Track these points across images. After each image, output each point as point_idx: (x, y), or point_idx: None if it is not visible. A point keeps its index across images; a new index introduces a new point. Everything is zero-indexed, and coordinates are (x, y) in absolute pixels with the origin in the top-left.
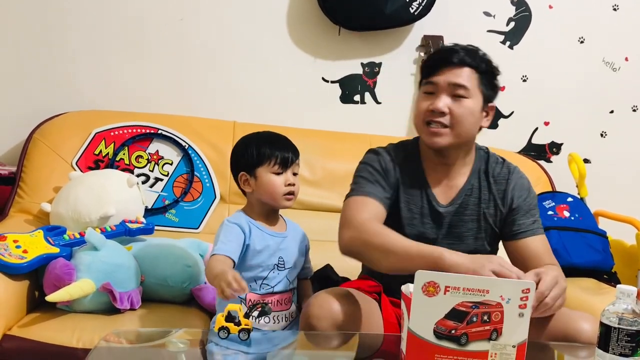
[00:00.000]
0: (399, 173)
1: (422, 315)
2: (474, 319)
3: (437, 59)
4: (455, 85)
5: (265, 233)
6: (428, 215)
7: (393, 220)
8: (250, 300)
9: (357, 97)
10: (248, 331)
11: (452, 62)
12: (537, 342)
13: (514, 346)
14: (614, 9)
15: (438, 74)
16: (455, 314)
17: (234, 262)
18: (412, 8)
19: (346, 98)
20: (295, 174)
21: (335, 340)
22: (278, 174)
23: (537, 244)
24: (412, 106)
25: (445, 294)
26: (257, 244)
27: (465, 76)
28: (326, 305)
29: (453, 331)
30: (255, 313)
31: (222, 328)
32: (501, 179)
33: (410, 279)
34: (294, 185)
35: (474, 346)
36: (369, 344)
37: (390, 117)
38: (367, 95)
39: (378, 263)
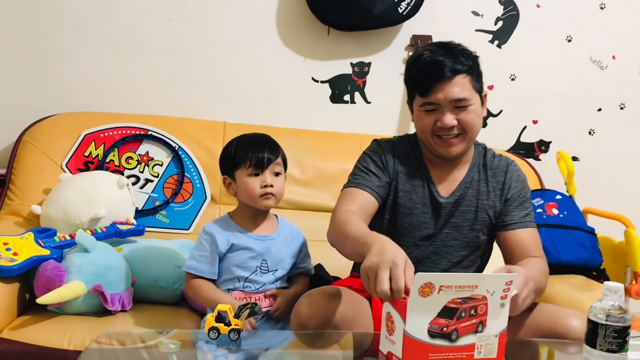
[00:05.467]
0: (399, 164)
1: (418, 316)
2: (463, 314)
3: (428, 76)
4: (457, 100)
5: (249, 236)
6: (429, 206)
7: (392, 209)
8: (236, 298)
9: (347, 97)
10: (238, 331)
11: (444, 75)
12: (526, 339)
13: (496, 336)
14: (601, 8)
15: (435, 92)
16: (446, 312)
17: (214, 280)
18: (401, 8)
19: (336, 98)
20: (277, 174)
21: (325, 340)
22: (254, 175)
23: (526, 236)
24: (402, 105)
25: (439, 293)
26: (237, 248)
27: (462, 86)
28: (316, 304)
29: (445, 328)
30: (245, 313)
31: (212, 328)
32: (500, 171)
33: None
34: (271, 186)
35: (463, 340)
36: (360, 343)
37: (380, 116)
38: (357, 95)
39: (344, 252)
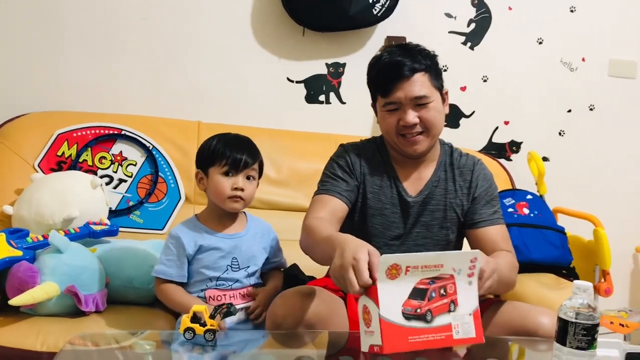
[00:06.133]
0: (366, 166)
1: (390, 299)
2: (434, 294)
3: (387, 77)
4: (417, 98)
5: (216, 237)
6: (397, 205)
7: (361, 211)
8: (210, 296)
9: (322, 97)
10: (214, 332)
11: (403, 75)
12: (497, 337)
13: (470, 314)
14: (571, 11)
15: (395, 91)
16: (417, 293)
17: (182, 284)
18: (375, 9)
19: (311, 98)
20: (250, 178)
21: (301, 339)
22: (227, 175)
23: (495, 232)
24: None
25: (406, 274)
26: (205, 249)
27: (422, 84)
28: (292, 304)
29: (418, 309)
30: (219, 316)
31: (187, 329)
32: (466, 169)
33: None
34: (242, 190)
35: (438, 321)
36: (335, 342)
37: (355, 116)
38: (332, 95)
39: (315, 258)
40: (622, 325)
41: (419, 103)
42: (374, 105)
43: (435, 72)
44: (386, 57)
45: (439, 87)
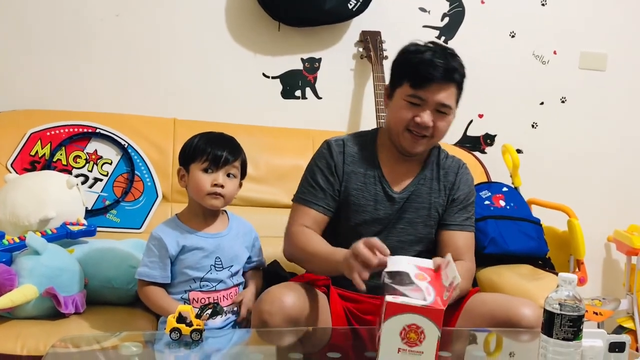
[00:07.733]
0: (350, 163)
1: None
2: None
3: (427, 73)
4: (442, 105)
5: (199, 236)
6: (382, 202)
7: (345, 208)
8: (194, 299)
9: (298, 93)
10: (200, 332)
11: (441, 78)
12: (481, 329)
13: None
14: (542, 4)
15: (427, 90)
16: None
17: (166, 285)
18: (351, 4)
19: (287, 93)
20: (230, 176)
21: (286, 336)
22: (207, 171)
23: (461, 239)
24: (353, 101)
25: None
26: (188, 249)
27: (450, 95)
28: (278, 301)
29: None
30: (207, 314)
31: (173, 329)
32: (451, 171)
33: None
34: (222, 187)
35: None
36: (320, 338)
37: (331, 111)
38: (308, 90)
39: (310, 268)
40: (596, 314)
41: (440, 110)
42: (391, 89)
43: (461, 89)
44: (430, 53)
45: (457, 104)
